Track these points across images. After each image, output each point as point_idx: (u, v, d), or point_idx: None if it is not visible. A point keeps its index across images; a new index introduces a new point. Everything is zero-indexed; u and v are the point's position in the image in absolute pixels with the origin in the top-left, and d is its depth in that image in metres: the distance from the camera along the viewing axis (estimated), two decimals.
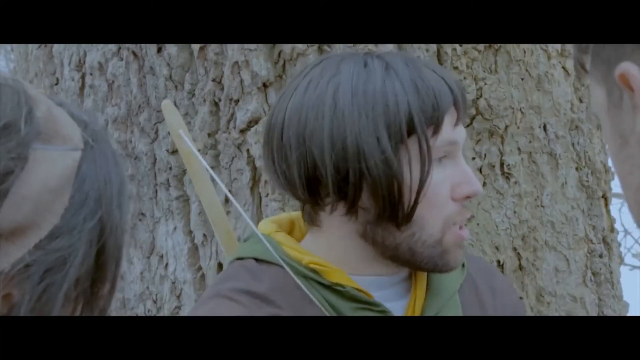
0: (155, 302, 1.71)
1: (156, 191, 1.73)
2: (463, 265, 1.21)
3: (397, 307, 1.14)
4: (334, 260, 1.13)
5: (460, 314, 1.15)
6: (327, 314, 1.08)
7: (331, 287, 1.10)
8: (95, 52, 1.80)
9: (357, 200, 1.07)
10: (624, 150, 0.69)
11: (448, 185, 1.09)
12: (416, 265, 1.12)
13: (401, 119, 1.05)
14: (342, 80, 1.08)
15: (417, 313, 1.14)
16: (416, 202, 1.06)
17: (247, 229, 1.60)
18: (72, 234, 0.69)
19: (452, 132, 1.08)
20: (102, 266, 0.73)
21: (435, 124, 1.06)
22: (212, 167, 1.66)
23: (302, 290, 1.09)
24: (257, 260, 1.13)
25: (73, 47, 1.87)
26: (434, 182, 1.07)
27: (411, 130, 1.05)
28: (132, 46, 1.74)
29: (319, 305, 1.08)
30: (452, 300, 1.17)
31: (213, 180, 1.26)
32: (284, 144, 1.08)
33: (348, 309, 1.09)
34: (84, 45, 1.84)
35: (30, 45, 1.99)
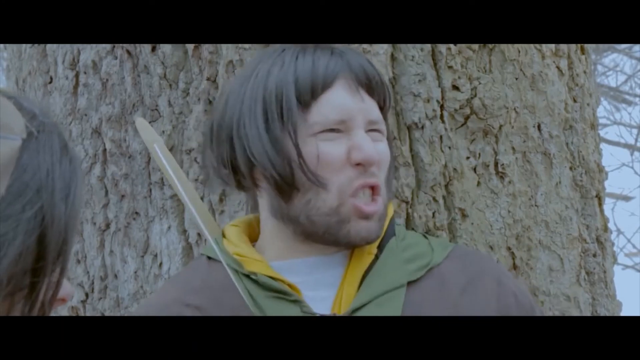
0: None
1: (150, 190, 1.73)
2: (427, 264, 1.23)
3: (325, 295, 1.17)
4: (267, 247, 1.22)
5: (397, 310, 1.16)
6: (248, 304, 1.15)
7: (249, 276, 1.17)
8: (89, 51, 1.80)
9: (251, 178, 1.19)
10: None
11: (343, 152, 1.16)
12: (319, 237, 1.17)
13: (272, 100, 1.16)
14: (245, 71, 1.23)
15: (345, 303, 1.17)
16: (301, 170, 1.14)
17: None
18: (8, 222, 0.69)
19: (338, 111, 1.16)
20: (42, 257, 0.72)
21: (305, 103, 1.16)
22: (206, 167, 1.66)
23: (229, 280, 1.17)
24: (208, 257, 1.25)
25: (67, 46, 1.86)
26: (326, 150, 1.15)
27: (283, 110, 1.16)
28: (126, 45, 1.74)
29: (242, 296, 1.16)
30: (392, 293, 1.17)
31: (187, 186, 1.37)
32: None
33: (263, 297, 1.15)
34: (77, 44, 1.83)
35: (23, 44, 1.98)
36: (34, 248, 0.71)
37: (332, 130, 1.16)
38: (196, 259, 1.27)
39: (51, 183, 0.72)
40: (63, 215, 0.72)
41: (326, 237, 1.17)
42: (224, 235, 1.27)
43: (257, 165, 1.18)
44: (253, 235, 1.28)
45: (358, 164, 1.16)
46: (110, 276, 1.78)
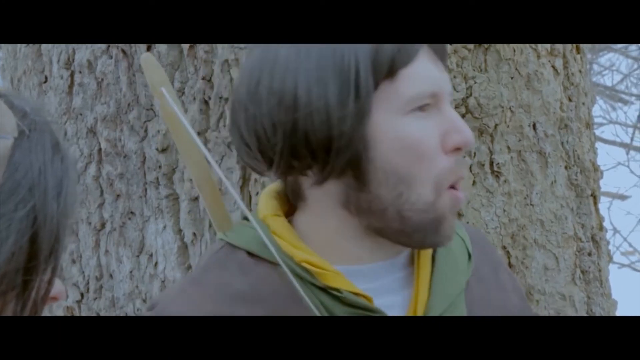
0: (144, 301, 1.70)
1: (146, 190, 1.73)
2: (469, 257, 1.10)
3: (397, 301, 1.04)
4: (326, 245, 1.02)
5: (463, 311, 1.05)
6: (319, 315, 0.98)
7: (326, 290, 1.00)
8: (84, 50, 1.80)
9: (323, 162, 0.96)
10: None
11: (436, 135, 0.97)
12: (406, 236, 0.99)
13: (350, 68, 0.94)
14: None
15: (420, 309, 1.03)
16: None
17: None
18: (1, 221, 0.69)
19: (430, 82, 0.97)
20: (34, 256, 0.72)
21: (384, 72, 0.95)
22: None
23: (289, 288, 0.99)
24: (248, 253, 1.02)
25: (62, 45, 1.86)
26: (418, 133, 0.96)
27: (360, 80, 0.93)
28: (121, 44, 1.74)
29: (311, 306, 0.98)
30: (458, 298, 1.06)
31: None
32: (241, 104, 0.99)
33: (345, 314, 0.99)
34: (72, 43, 1.83)
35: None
36: (27, 247, 0.71)
37: (421, 107, 0.97)
38: (226, 253, 1.03)
39: (43, 182, 0.71)
40: (55, 214, 0.72)
41: (413, 237, 0.99)
42: (268, 226, 1.04)
43: (333, 146, 0.95)
44: (289, 212, 1.07)
45: (457, 149, 0.97)
46: (106, 276, 1.77)
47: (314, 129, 0.95)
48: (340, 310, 0.99)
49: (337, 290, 0.99)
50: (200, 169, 1.10)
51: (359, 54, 0.95)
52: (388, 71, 0.96)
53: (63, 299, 0.79)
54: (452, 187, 0.99)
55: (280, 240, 1.02)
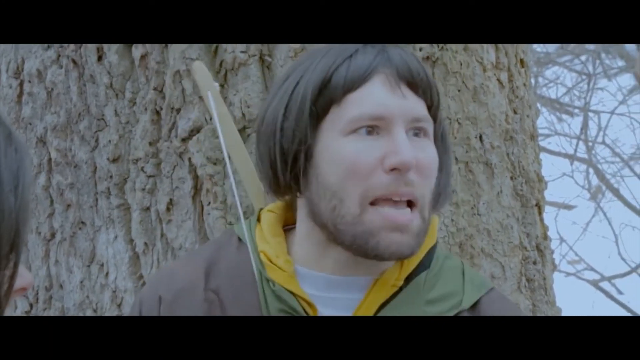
0: (95, 311, 1.69)
1: (97, 199, 1.72)
2: (458, 308, 1.10)
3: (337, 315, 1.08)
4: (299, 245, 1.14)
5: None
6: (262, 307, 1.09)
7: (268, 282, 1.10)
8: (33, 60, 1.79)
9: (283, 176, 1.10)
10: None
11: (377, 155, 1.04)
12: (347, 247, 1.07)
13: (298, 96, 1.08)
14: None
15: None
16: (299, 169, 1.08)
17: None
18: None
19: (374, 106, 1.05)
20: None
21: (332, 97, 1.06)
22: (153, 176, 1.66)
23: (253, 275, 1.11)
24: (239, 239, 1.17)
25: (11, 54, 1.84)
26: (355, 152, 1.05)
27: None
28: (71, 54, 1.73)
29: (260, 295, 1.09)
30: None
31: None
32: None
33: (275, 309, 1.08)
34: (22, 52, 1.82)
35: None
36: None
37: (370, 128, 1.05)
38: (228, 235, 1.20)
39: None
40: (14, 208, 0.70)
41: (354, 248, 1.06)
42: (258, 219, 1.18)
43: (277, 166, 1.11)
44: (290, 219, 1.18)
45: (393, 169, 1.04)
46: (56, 286, 1.76)
47: (269, 146, 1.10)
48: (274, 304, 1.08)
49: (273, 282, 1.09)
50: (247, 169, 1.29)
51: (309, 83, 1.07)
52: (336, 96, 1.06)
53: (31, 287, 0.77)
54: (391, 204, 1.05)
55: (258, 231, 1.15)
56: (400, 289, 1.10)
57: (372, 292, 1.09)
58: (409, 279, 1.11)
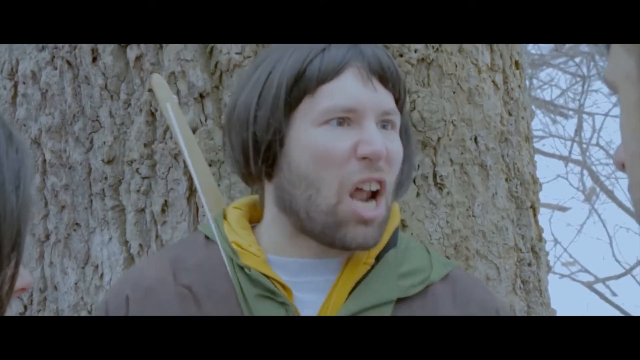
0: (90, 312, 1.69)
1: (91, 201, 1.72)
2: (427, 281, 1.16)
3: (313, 299, 1.13)
4: (265, 235, 1.18)
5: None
6: (238, 297, 1.12)
7: (243, 269, 1.14)
8: (28, 61, 1.78)
9: (251, 162, 1.14)
10: None
11: (349, 145, 1.10)
12: (315, 235, 1.12)
13: (272, 86, 1.12)
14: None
15: (332, 311, 1.12)
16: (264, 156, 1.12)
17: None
18: None
19: (346, 98, 1.10)
20: None
21: (305, 88, 1.11)
22: (148, 178, 1.66)
23: (224, 268, 1.14)
24: (206, 237, 1.21)
25: (5, 55, 1.84)
26: (328, 142, 1.10)
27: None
28: (66, 55, 1.73)
29: (234, 283, 1.13)
30: (380, 308, 1.13)
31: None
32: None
33: (253, 294, 1.12)
34: (16, 54, 1.81)
35: None
36: None
37: (341, 120, 1.11)
38: (193, 234, 1.24)
39: (0, 176, 0.70)
40: (15, 207, 0.70)
41: (322, 237, 1.12)
42: (224, 217, 1.22)
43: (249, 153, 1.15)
44: (255, 216, 1.23)
45: (364, 158, 1.10)
46: (50, 288, 1.76)
47: (242, 136, 1.14)
48: (250, 290, 1.12)
49: (248, 268, 1.13)
50: (199, 166, 1.30)
51: (283, 74, 1.11)
52: (310, 87, 1.11)
53: (31, 288, 0.77)
54: (362, 195, 1.11)
55: (226, 226, 1.19)
56: (372, 267, 1.16)
57: (345, 272, 1.15)
58: (378, 258, 1.17)
